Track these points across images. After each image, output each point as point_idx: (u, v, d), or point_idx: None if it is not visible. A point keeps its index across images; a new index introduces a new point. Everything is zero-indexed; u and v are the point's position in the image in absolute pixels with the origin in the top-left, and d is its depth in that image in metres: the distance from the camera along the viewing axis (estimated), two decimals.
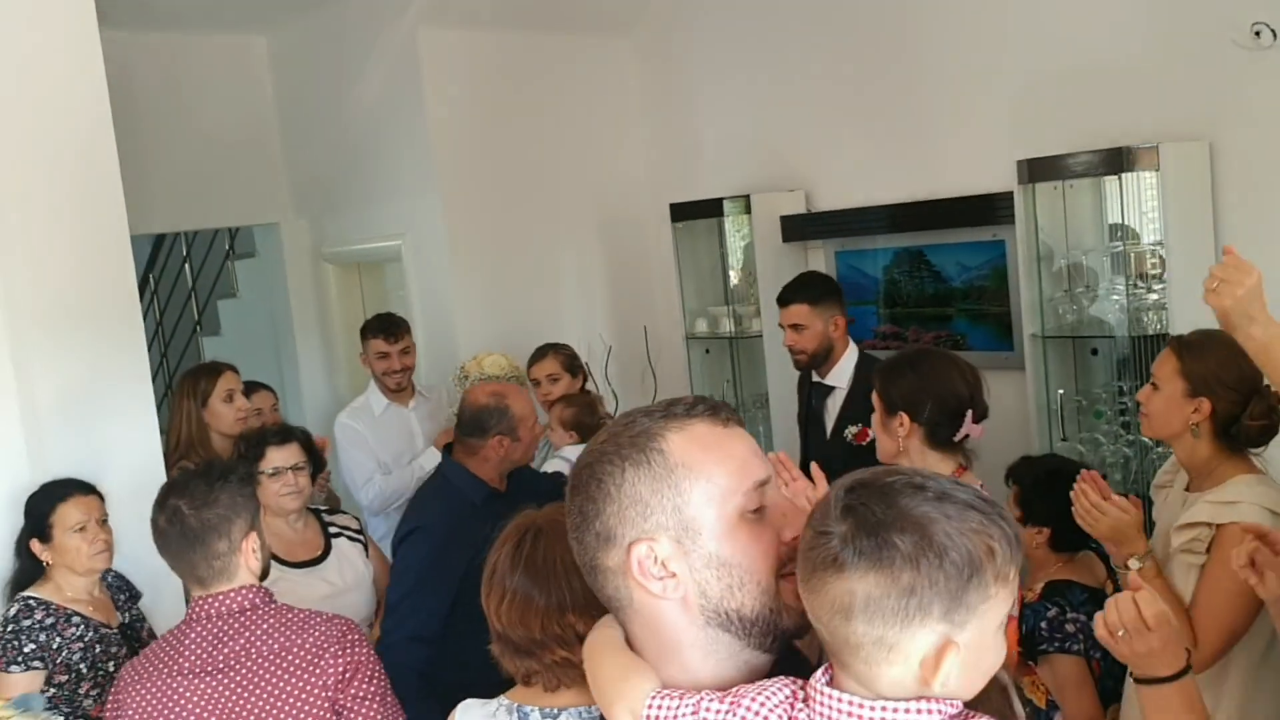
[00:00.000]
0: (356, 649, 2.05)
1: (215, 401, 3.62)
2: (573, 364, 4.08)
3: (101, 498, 2.84)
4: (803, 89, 4.39)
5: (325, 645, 2.03)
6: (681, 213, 4.51)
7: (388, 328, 4.14)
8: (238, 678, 2.01)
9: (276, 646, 2.02)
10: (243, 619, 2.06)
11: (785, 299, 3.57)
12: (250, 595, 2.09)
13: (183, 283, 7.34)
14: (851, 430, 3.39)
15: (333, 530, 3.10)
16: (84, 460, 3.12)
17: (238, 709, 1.99)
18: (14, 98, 3.13)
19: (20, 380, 3.17)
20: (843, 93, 4.26)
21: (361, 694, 2.03)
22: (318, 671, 2.01)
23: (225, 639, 2.05)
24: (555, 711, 1.35)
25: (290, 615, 2.09)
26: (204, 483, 2.13)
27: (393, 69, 4.74)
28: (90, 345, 3.26)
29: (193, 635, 2.07)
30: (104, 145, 3.32)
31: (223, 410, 3.61)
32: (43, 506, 2.76)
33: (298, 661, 2.01)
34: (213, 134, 5.17)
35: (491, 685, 1.47)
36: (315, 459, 3.11)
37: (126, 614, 2.88)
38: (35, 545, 2.72)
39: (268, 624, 2.06)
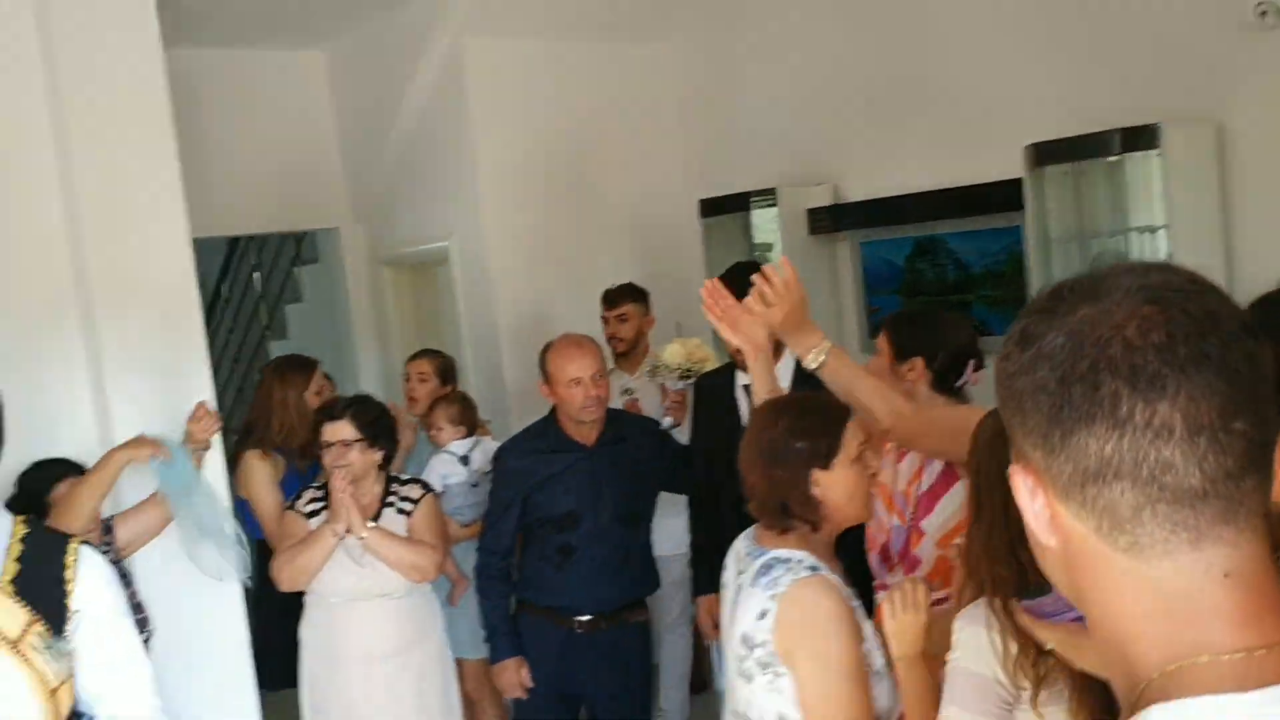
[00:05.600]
0: None
1: (308, 395, 3.86)
2: (445, 370, 4.19)
3: None
4: (829, 83, 4.53)
5: None
6: (710, 208, 4.67)
7: (610, 294, 4.35)
8: None
9: None
10: None
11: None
12: None
13: (254, 291, 7.71)
14: None
15: (389, 500, 3.31)
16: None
17: None
18: (86, 110, 3.40)
19: (95, 390, 3.47)
20: (867, 85, 4.39)
21: None
22: None
23: None
24: None
25: None
26: None
27: (440, 76, 4.99)
28: (157, 338, 3.51)
29: None
30: (167, 155, 3.53)
31: (311, 403, 3.83)
32: (40, 484, 3.00)
33: None
34: (277, 143, 5.46)
35: None
36: (379, 431, 3.28)
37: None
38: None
39: None
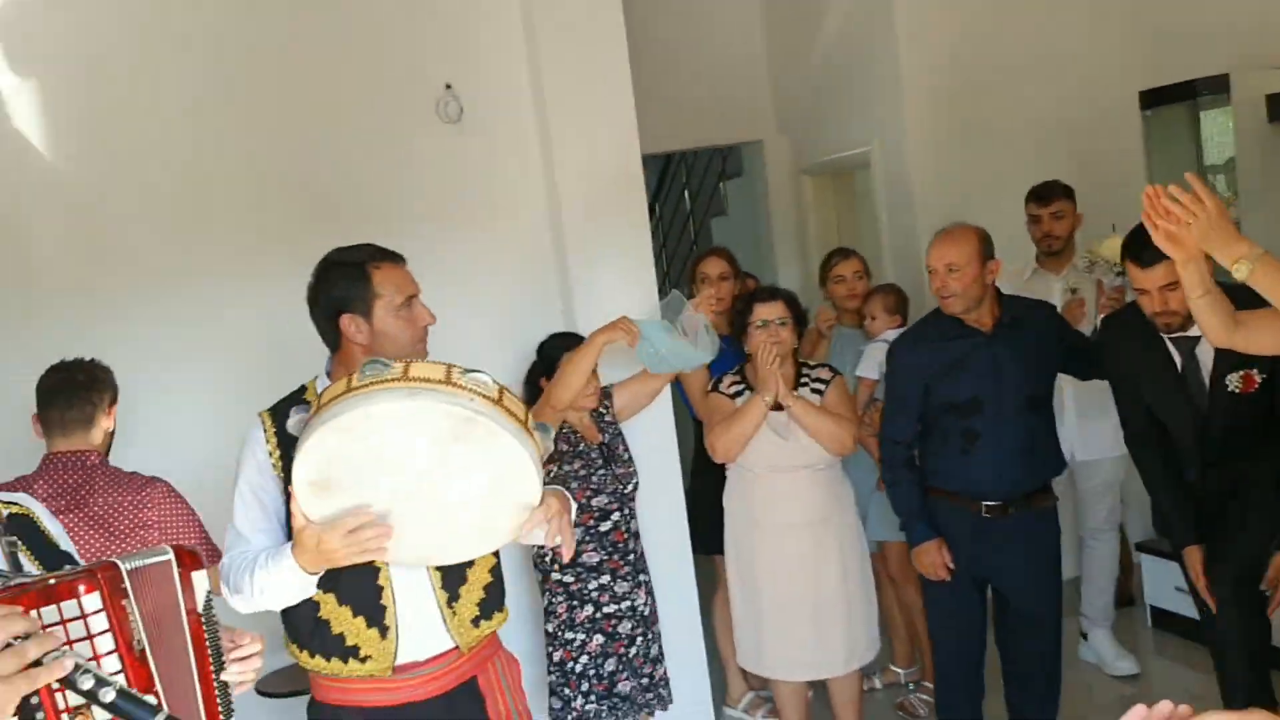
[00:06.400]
0: None
1: (696, 282, 4.20)
2: (866, 265, 4.33)
3: None
4: None
5: None
6: (1151, 99, 4.39)
7: (1040, 191, 4.25)
8: None
9: None
10: None
11: (1153, 258, 2.79)
12: None
13: (683, 207, 8.24)
14: (1235, 378, 2.98)
15: (803, 380, 3.57)
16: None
17: None
18: (554, 36, 3.83)
19: (562, 287, 3.95)
20: None
21: None
22: None
23: None
24: None
25: None
26: None
27: None
28: (614, 246, 3.91)
29: None
30: (621, 76, 3.88)
31: (701, 289, 4.12)
32: (555, 352, 3.51)
33: None
34: (709, 60, 5.80)
35: None
36: (800, 316, 3.62)
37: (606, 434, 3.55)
38: (545, 382, 3.48)
39: None
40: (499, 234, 3.97)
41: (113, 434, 2.94)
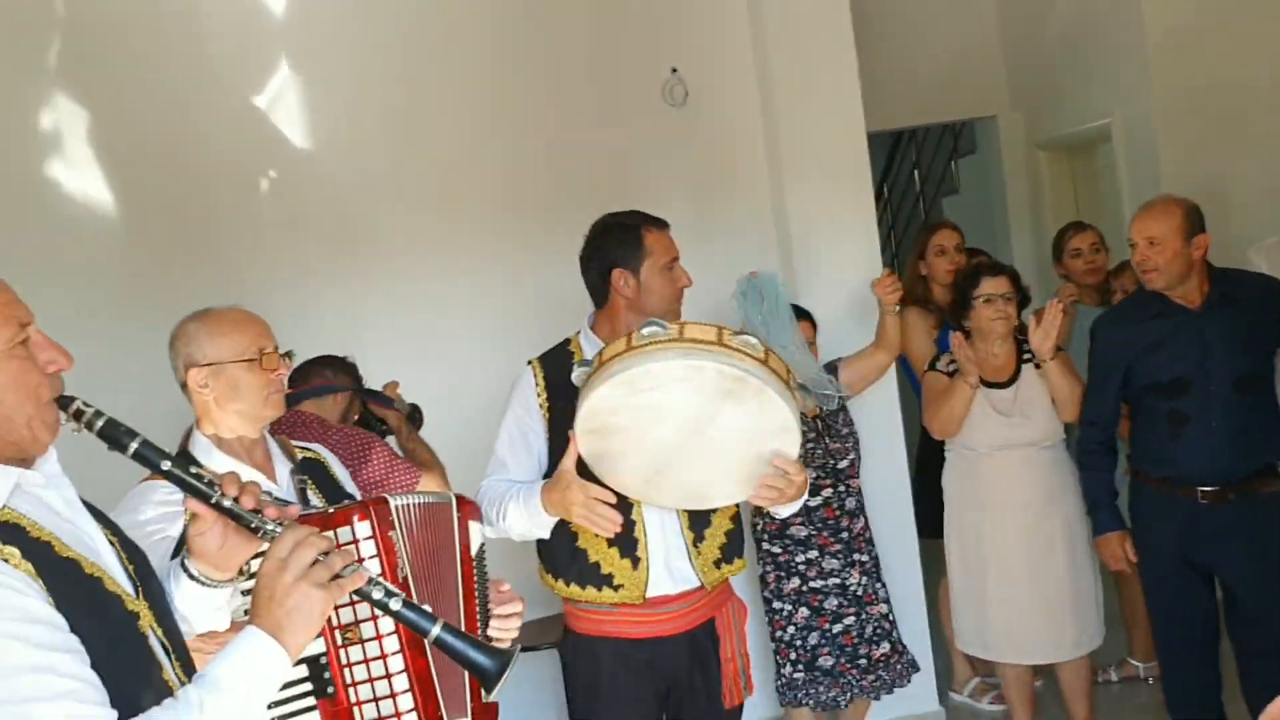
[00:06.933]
0: None
1: (930, 255, 4.11)
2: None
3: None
4: None
5: None
6: None
7: None
8: None
9: None
10: None
11: None
12: None
13: (913, 187, 8.09)
14: None
15: (1025, 357, 3.50)
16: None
17: None
18: (779, 9, 3.90)
19: (783, 262, 4.00)
20: None
21: None
22: None
23: None
24: None
25: None
26: None
27: None
28: (834, 219, 3.95)
29: None
30: (845, 50, 3.90)
31: (936, 262, 4.08)
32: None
33: None
34: (940, 34, 5.67)
35: None
36: (1023, 294, 3.55)
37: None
38: None
39: None
40: (723, 214, 4.07)
41: (345, 411, 3.15)
